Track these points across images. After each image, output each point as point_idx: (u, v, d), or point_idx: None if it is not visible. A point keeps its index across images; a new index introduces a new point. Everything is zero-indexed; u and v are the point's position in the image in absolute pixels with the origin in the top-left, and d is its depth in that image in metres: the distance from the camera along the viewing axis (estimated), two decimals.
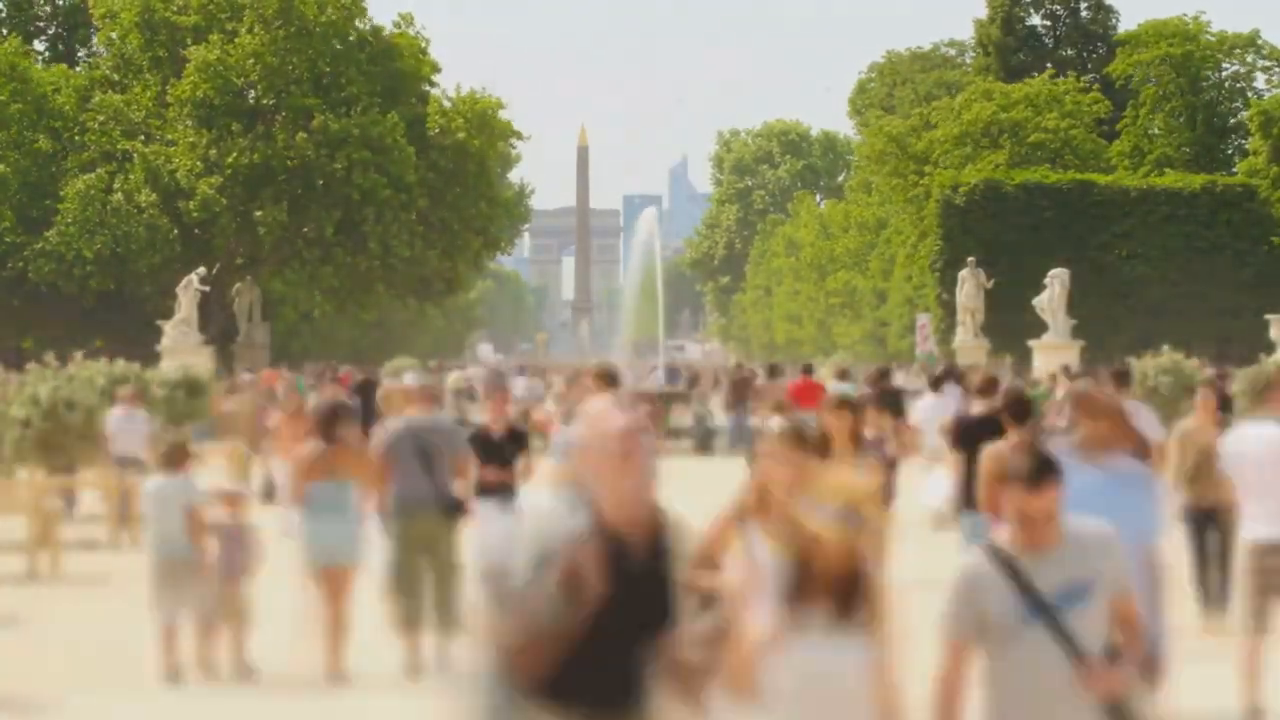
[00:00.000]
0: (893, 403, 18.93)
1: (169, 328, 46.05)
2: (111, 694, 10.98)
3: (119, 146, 54.78)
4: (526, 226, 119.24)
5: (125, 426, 19.76)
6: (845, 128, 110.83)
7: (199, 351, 43.75)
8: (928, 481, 17.59)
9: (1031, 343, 46.00)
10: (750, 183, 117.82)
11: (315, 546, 11.03)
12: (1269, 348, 40.51)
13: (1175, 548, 10.34)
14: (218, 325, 53.47)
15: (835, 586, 5.14)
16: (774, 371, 35.13)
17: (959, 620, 5.18)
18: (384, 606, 11.36)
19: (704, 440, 33.07)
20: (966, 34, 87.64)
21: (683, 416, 34.83)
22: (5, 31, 60.07)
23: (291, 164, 53.95)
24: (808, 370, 31.14)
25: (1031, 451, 5.30)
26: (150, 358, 40.61)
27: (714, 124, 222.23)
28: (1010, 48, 74.53)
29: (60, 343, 42.44)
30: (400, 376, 34.44)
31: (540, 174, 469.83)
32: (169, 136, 54.66)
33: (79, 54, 63.61)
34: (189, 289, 46.03)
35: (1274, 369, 14.38)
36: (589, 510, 4.78)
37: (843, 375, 27.14)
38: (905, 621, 5.23)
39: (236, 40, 54.11)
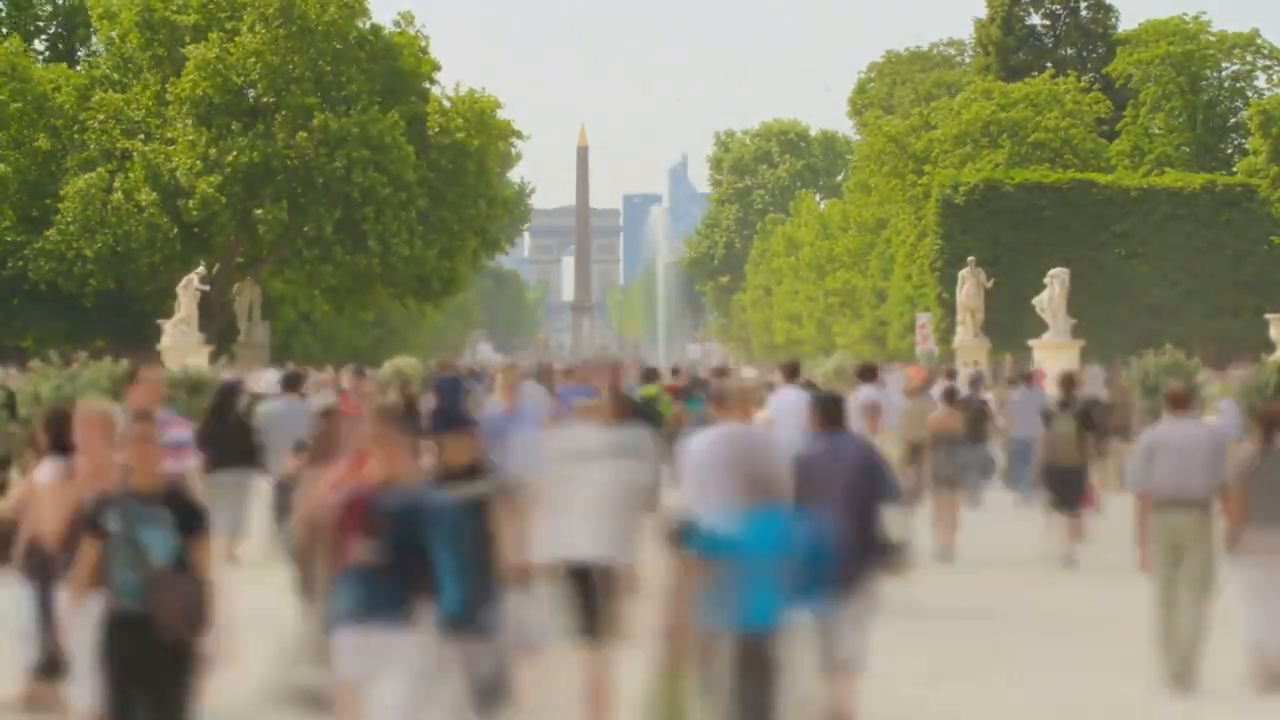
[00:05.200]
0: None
1: (169, 327, 46.03)
2: None
3: (119, 145, 54.73)
4: (526, 226, 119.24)
5: None
6: (845, 127, 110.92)
7: (199, 351, 43.74)
8: None
9: (1031, 342, 46.00)
10: (750, 182, 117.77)
11: None
12: (1269, 347, 40.52)
13: None
14: (217, 325, 53.45)
15: None
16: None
17: None
18: None
19: None
20: (966, 34, 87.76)
21: None
22: (5, 31, 60.03)
23: (291, 163, 53.92)
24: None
25: None
26: (150, 357, 40.62)
27: (714, 124, 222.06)
28: (1010, 47, 74.55)
29: (60, 342, 42.45)
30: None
31: (540, 174, 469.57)
32: (169, 135, 54.63)
33: (79, 53, 63.57)
34: (189, 288, 46.01)
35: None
36: None
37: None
38: None
39: (236, 39, 54.08)
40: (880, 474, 9.75)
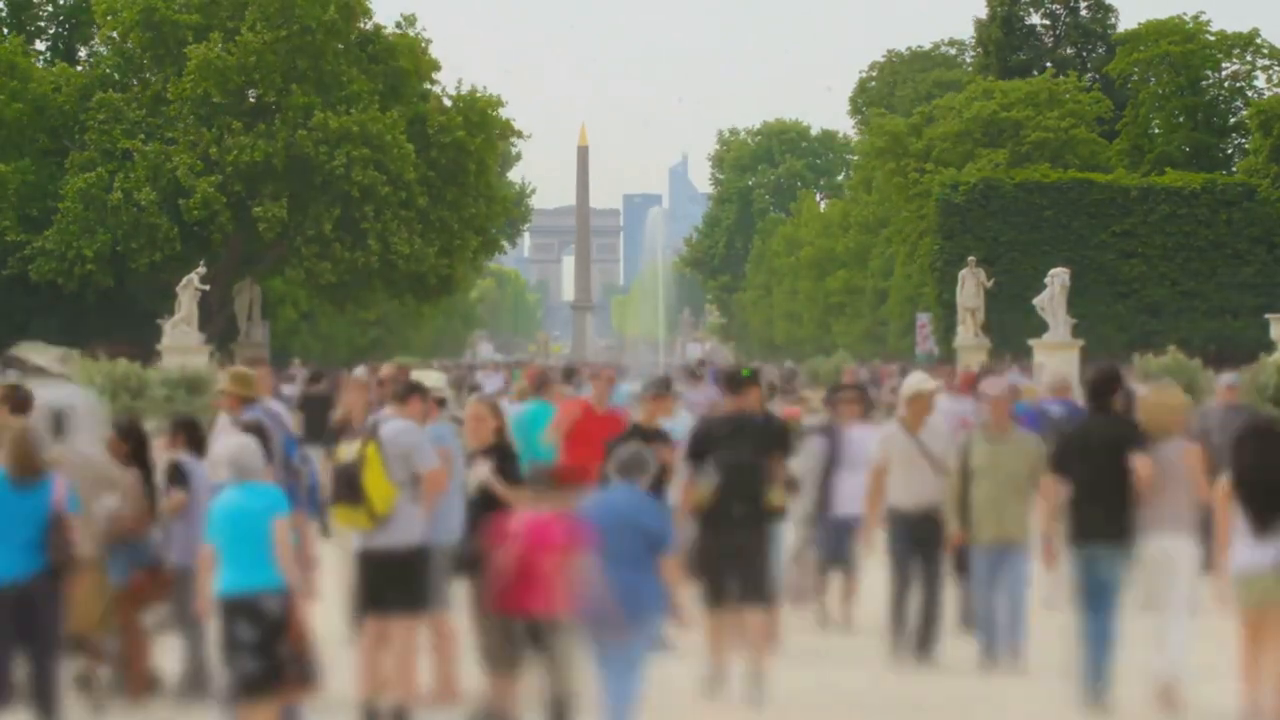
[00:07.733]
0: None
1: (169, 327, 46.01)
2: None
3: (119, 146, 54.70)
4: (526, 226, 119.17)
5: None
6: (845, 127, 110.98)
7: (199, 351, 43.78)
8: None
9: (1032, 342, 46.01)
10: (750, 181, 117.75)
11: None
12: (1269, 347, 40.52)
13: None
14: (217, 325, 53.44)
15: None
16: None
17: None
18: None
19: None
20: (967, 33, 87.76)
21: None
22: (5, 31, 60.01)
23: (292, 162, 53.85)
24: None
25: None
26: (150, 356, 40.67)
27: (714, 124, 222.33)
28: (1010, 46, 74.57)
29: (60, 341, 42.46)
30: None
31: (540, 174, 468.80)
32: (169, 135, 54.60)
33: (80, 53, 63.54)
34: (189, 288, 45.98)
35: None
36: None
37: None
38: None
39: (238, 39, 54.04)
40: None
